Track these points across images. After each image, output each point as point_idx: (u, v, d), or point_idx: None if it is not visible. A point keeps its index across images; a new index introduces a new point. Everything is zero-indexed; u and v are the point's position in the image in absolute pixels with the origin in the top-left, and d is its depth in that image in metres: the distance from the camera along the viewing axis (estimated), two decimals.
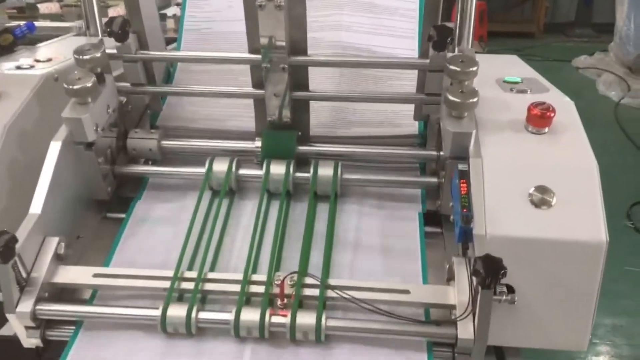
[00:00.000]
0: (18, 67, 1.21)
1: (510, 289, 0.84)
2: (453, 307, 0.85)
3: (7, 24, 1.47)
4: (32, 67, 1.23)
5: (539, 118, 0.94)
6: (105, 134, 1.04)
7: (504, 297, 0.82)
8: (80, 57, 0.99)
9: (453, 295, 0.85)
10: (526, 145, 0.94)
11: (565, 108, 0.99)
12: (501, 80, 1.13)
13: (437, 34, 0.96)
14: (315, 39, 1.25)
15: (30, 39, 1.44)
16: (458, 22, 1.20)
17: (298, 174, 1.06)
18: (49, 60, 1.27)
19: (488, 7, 4.67)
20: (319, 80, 1.20)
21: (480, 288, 0.78)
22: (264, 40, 0.99)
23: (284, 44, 0.99)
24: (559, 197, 0.87)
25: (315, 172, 1.05)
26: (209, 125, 1.19)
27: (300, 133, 1.11)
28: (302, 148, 1.09)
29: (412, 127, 1.14)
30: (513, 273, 0.81)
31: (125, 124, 1.13)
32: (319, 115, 1.18)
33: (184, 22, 1.31)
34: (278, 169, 1.05)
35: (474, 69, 0.95)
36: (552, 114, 0.94)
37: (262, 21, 0.97)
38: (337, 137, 1.16)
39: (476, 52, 1.07)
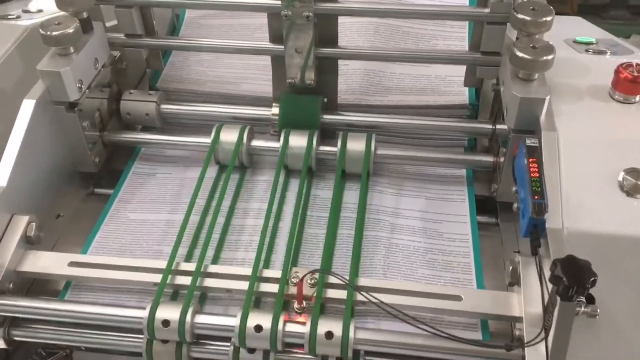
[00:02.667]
0: (2, 17, 1.04)
1: (590, 299, 0.65)
2: (517, 319, 0.66)
3: None
4: (18, 17, 1.06)
5: (631, 83, 0.75)
6: (93, 93, 0.87)
7: (583, 309, 0.63)
8: None
9: (518, 305, 0.67)
10: (613, 116, 0.75)
11: None
12: (571, 40, 0.93)
13: None
14: None
15: None
16: None
17: (322, 148, 0.88)
18: (40, 11, 1.10)
19: None
20: (349, 38, 1.01)
21: (559, 299, 0.60)
22: None
23: None
24: None
25: (344, 145, 0.86)
26: (218, 88, 1.01)
27: (326, 99, 0.92)
28: (327, 117, 0.91)
29: (462, 95, 0.95)
30: None
31: (119, 83, 0.95)
32: (349, 80, 0.99)
33: None
34: (299, 140, 0.87)
35: (549, 18, 0.75)
36: None
37: None
38: (369, 105, 0.97)
39: None
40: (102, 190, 0.92)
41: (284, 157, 0.87)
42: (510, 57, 0.74)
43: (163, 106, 0.94)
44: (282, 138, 0.88)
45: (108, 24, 0.96)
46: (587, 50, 0.89)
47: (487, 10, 0.81)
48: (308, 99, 0.91)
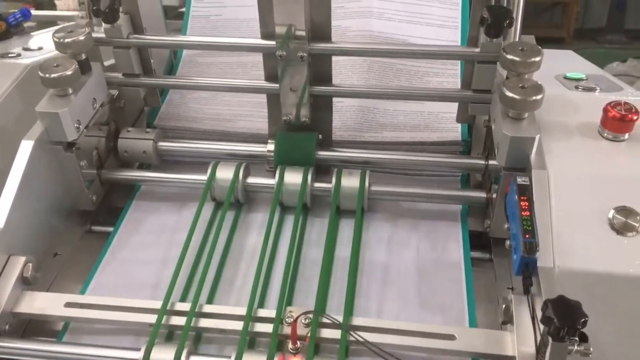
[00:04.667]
0: (3, 56, 1.06)
1: (583, 337, 0.65)
2: (511, 359, 0.66)
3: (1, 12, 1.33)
4: (18, 55, 1.08)
5: (619, 121, 0.76)
6: (91, 132, 0.88)
7: (576, 347, 0.63)
8: (61, 40, 0.83)
9: (511, 344, 0.67)
10: (603, 154, 0.75)
11: None
12: (561, 76, 0.95)
13: (491, 16, 0.78)
14: (341, 27, 1.08)
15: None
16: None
17: (317, 184, 0.89)
18: (40, 48, 1.12)
19: None
20: (344, 75, 1.02)
21: (551, 340, 0.60)
22: (279, 24, 0.82)
23: (303, 28, 0.82)
24: None
25: (338, 182, 0.87)
26: (215, 126, 1.02)
27: (321, 136, 0.94)
28: (322, 153, 0.92)
29: (454, 131, 0.96)
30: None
31: (117, 121, 0.97)
32: (343, 116, 1.00)
33: (190, 8, 1.15)
34: (294, 177, 0.88)
35: (538, 59, 0.77)
36: (635, 117, 0.76)
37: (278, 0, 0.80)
38: (364, 141, 0.98)
39: None
40: (100, 227, 0.93)
41: (279, 194, 0.88)
42: (500, 96, 0.75)
43: (160, 144, 0.95)
44: (277, 175, 0.89)
45: (106, 63, 0.99)
46: (577, 87, 0.90)
47: (477, 50, 0.83)
48: (303, 136, 0.92)
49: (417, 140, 0.97)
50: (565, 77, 0.94)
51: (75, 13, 1.58)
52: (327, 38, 0.86)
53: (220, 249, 0.84)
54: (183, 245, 0.81)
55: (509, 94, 0.74)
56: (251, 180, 0.90)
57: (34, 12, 1.37)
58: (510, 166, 0.75)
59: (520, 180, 0.73)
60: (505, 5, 1.00)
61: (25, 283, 0.75)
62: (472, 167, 0.91)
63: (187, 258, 0.80)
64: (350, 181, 0.87)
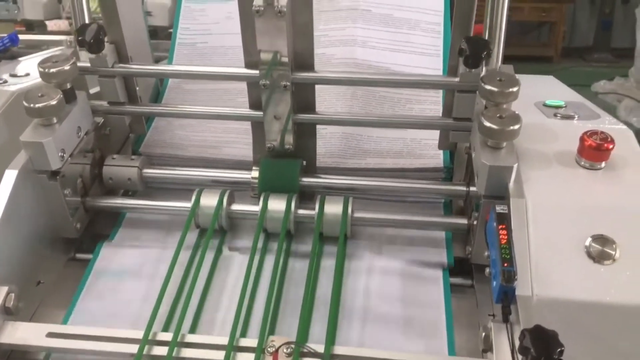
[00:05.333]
0: None
1: None
2: None
3: None
4: (5, 82, 1.09)
5: (595, 150, 0.77)
6: (76, 160, 0.89)
7: None
8: (46, 70, 0.84)
9: None
10: (580, 183, 0.77)
11: (623, 138, 0.82)
12: (541, 103, 0.96)
13: (469, 47, 0.80)
14: (325, 55, 1.09)
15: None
16: (487, 37, 1.04)
17: (301, 211, 0.89)
18: (27, 75, 1.13)
19: None
20: (328, 102, 1.03)
21: None
22: (262, 53, 0.83)
23: (286, 57, 0.83)
24: (624, 249, 0.70)
25: (322, 209, 0.88)
26: (200, 153, 1.03)
27: (305, 162, 0.94)
28: (306, 180, 0.93)
29: (437, 158, 0.97)
30: (566, 345, 0.63)
31: (103, 149, 0.97)
32: (327, 143, 1.01)
33: (176, 35, 1.16)
34: (277, 204, 0.89)
35: (515, 89, 0.78)
36: (611, 146, 0.77)
37: (260, 29, 0.81)
38: (347, 168, 0.99)
39: None
40: (84, 255, 0.93)
41: (263, 221, 0.88)
42: (478, 126, 0.77)
43: (145, 171, 0.96)
44: (261, 202, 0.89)
45: (92, 90, 0.99)
46: (555, 115, 0.92)
47: (456, 79, 0.84)
48: (287, 162, 0.93)
49: (400, 167, 0.98)
50: (545, 105, 0.96)
51: (63, 38, 1.59)
52: (310, 67, 0.88)
53: (204, 277, 0.84)
54: (166, 274, 0.81)
55: (487, 124, 0.75)
56: (235, 207, 0.91)
57: (22, 36, 1.38)
58: (489, 194, 0.76)
59: (499, 208, 0.74)
60: (487, 30, 1.02)
61: (7, 313, 0.75)
62: (453, 193, 0.92)
63: (170, 287, 0.80)
64: (333, 208, 0.88)
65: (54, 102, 0.81)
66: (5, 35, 1.32)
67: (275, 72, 0.85)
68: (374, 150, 1.01)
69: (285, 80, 0.86)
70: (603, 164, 0.78)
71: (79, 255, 0.93)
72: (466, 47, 0.81)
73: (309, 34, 0.85)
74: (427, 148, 0.99)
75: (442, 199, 0.96)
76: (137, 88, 0.96)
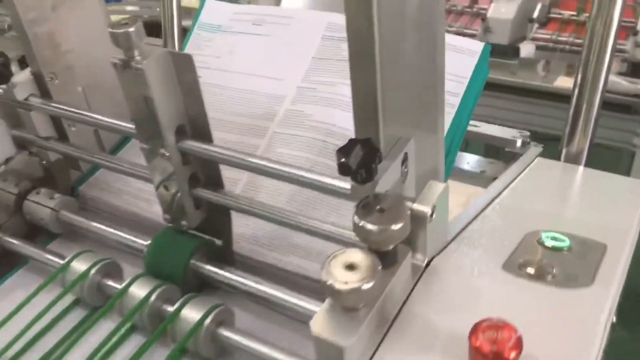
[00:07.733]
0: None
1: None
2: None
3: None
4: None
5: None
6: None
7: None
8: None
9: None
10: None
11: None
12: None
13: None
14: (303, 113, 0.89)
15: None
16: None
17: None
18: None
19: None
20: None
21: None
22: (133, 112, 0.69)
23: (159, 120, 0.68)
24: None
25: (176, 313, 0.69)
26: (132, 204, 0.91)
27: (221, 242, 0.77)
28: (208, 268, 0.75)
29: None
30: None
31: (35, 181, 0.92)
32: (256, 224, 0.82)
33: None
34: (140, 290, 0.73)
35: None
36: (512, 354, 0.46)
37: (125, 86, 0.67)
38: (264, 262, 0.79)
39: None
40: None
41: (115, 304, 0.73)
42: None
43: (63, 213, 0.87)
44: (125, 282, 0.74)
45: None
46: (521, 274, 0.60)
47: None
48: (184, 242, 0.77)
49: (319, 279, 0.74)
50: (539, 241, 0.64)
51: None
52: (207, 135, 0.70)
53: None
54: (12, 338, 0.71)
55: None
56: (105, 281, 0.77)
57: None
58: None
59: None
60: None
61: None
62: None
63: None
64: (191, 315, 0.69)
65: None
66: None
67: (150, 135, 0.70)
68: (304, 247, 0.78)
69: (160, 147, 0.70)
70: None
71: None
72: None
73: (196, 93, 0.68)
74: None
75: None
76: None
